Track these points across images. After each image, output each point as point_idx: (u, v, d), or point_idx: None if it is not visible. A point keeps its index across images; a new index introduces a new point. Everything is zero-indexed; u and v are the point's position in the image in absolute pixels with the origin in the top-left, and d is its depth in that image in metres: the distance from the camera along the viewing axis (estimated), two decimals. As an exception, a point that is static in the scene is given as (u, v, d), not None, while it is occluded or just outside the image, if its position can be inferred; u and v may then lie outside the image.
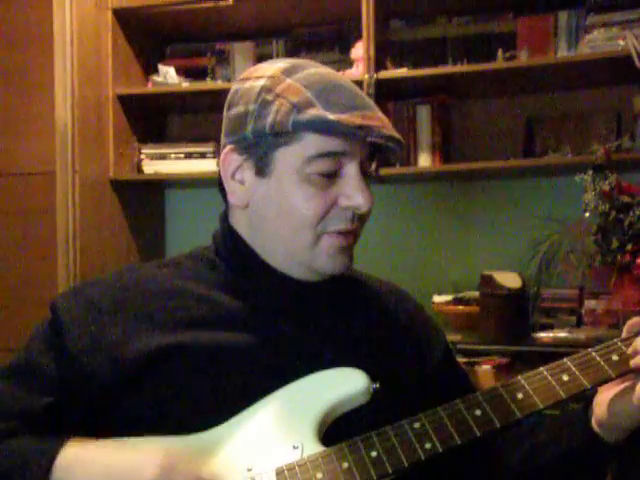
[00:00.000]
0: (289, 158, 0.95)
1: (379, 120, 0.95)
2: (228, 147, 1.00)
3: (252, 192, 0.99)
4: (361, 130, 0.93)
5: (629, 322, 0.96)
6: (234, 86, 1.02)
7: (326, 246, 0.97)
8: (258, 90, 0.97)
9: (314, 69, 0.99)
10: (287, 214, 0.97)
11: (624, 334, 0.96)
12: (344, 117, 0.92)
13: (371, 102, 0.98)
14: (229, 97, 1.02)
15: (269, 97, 0.95)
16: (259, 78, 0.98)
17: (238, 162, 0.99)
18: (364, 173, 0.98)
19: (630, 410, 0.91)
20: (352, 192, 0.96)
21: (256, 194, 0.99)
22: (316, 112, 0.93)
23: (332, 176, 0.96)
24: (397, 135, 0.97)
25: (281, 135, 0.94)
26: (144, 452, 0.87)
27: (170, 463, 0.85)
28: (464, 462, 1.03)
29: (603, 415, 0.94)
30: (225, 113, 1.03)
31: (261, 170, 0.97)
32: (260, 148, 0.96)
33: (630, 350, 0.91)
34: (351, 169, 0.96)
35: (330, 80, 0.97)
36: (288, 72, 0.98)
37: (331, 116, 0.92)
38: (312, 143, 0.94)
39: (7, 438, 0.91)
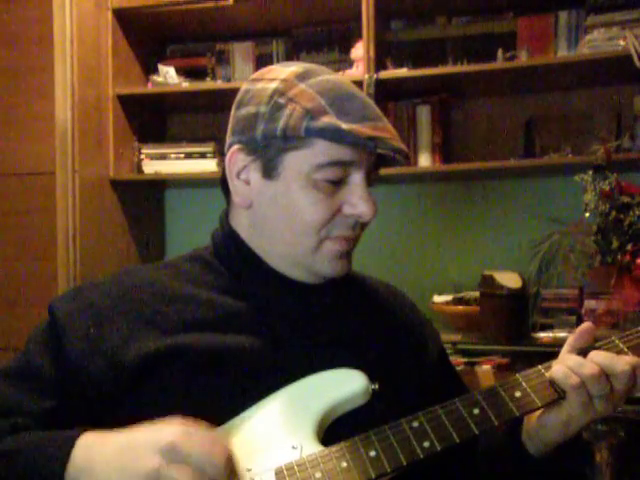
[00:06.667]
0: (298, 163, 0.95)
1: (389, 132, 0.97)
2: (235, 147, 0.99)
3: (257, 193, 0.99)
4: (372, 141, 0.94)
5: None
6: (244, 86, 1.02)
7: (328, 251, 0.98)
8: (270, 92, 0.97)
9: (327, 76, 0.99)
10: (292, 217, 0.97)
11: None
12: (356, 127, 0.93)
13: (380, 113, 0.98)
14: (239, 96, 1.02)
15: (282, 100, 0.96)
16: (272, 80, 0.99)
17: (245, 162, 0.99)
18: (369, 182, 0.99)
19: (554, 423, 0.92)
20: (357, 201, 0.97)
21: (261, 195, 0.99)
22: (329, 120, 0.93)
23: (338, 183, 0.97)
24: (405, 148, 0.98)
25: (292, 139, 0.95)
26: (161, 423, 0.83)
27: (188, 428, 0.82)
28: (458, 461, 1.03)
29: (531, 426, 0.95)
30: (233, 112, 1.02)
31: (268, 172, 0.97)
32: (269, 150, 0.96)
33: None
34: (357, 178, 0.97)
35: (343, 89, 0.97)
36: (301, 77, 0.98)
37: (344, 125, 0.93)
38: (322, 150, 0.94)
39: (19, 431, 0.88)
